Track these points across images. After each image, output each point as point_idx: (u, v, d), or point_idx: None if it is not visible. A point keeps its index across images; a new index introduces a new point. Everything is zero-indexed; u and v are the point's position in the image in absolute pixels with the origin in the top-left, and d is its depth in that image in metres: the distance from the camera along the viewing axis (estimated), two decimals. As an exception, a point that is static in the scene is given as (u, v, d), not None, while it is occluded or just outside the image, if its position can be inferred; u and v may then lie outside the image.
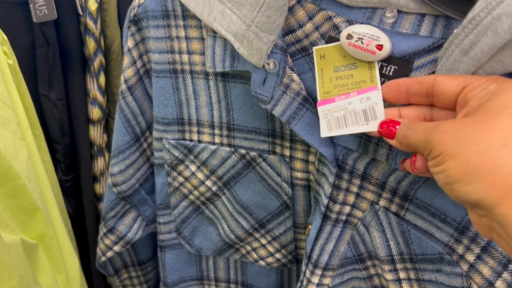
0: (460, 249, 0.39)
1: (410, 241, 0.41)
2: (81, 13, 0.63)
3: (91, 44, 0.64)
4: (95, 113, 0.69)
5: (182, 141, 0.51)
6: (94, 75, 0.67)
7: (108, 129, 0.74)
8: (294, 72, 0.41)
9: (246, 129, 0.48)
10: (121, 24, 0.66)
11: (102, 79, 0.67)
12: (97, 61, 0.65)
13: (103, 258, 0.61)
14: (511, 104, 0.28)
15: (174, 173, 0.54)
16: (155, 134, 0.53)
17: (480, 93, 0.30)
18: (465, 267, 0.39)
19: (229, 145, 0.50)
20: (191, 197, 0.55)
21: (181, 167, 0.53)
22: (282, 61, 0.40)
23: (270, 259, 0.55)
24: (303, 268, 0.48)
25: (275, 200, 0.50)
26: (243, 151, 0.49)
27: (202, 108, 0.49)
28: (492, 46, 0.31)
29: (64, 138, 0.70)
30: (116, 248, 0.59)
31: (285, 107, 0.41)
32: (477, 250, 0.38)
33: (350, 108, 0.40)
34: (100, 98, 0.68)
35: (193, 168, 0.53)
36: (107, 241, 0.59)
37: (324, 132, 0.41)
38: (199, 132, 0.51)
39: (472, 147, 0.28)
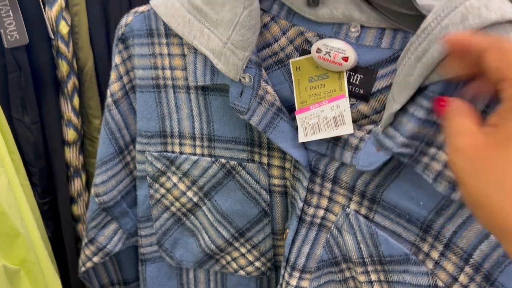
0: (425, 247, 0.42)
1: (378, 243, 0.44)
2: (52, 37, 0.64)
3: (64, 67, 0.65)
4: (70, 134, 0.70)
5: (164, 153, 0.54)
6: (68, 97, 0.68)
7: (83, 150, 0.75)
8: (269, 85, 0.44)
9: (226, 139, 0.51)
10: (93, 46, 0.68)
11: (76, 101, 0.68)
12: (71, 84, 0.67)
13: (83, 269, 0.61)
14: None
15: (156, 185, 0.56)
16: (138, 147, 0.55)
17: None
18: (430, 265, 0.42)
19: (210, 155, 0.52)
20: (173, 208, 0.57)
21: (163, 179, 0.55)
22: (257, 75, 0.43)
23: (249, 268, 0.56)
24: (282, 271, 0.50)
25: (254, 208, 0.52)
26: (223, 160, 0.51)
27: (184, 120, 0.52)
28: (441, 52, 0.34)
29: (39, 161, 0.70)
30: (95, 259, 0.60)
31: (261, 117, 0.44)
32: (440, 248, 0.41)
33: (323, 116, 0.43)
34: (74, 119, 0.69)
35: (174, 179, 0.54)
36: (87, 252, 0.60)
37: (301, 138, 0.44)
38: (180, 144, 0.53)
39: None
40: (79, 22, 0.66)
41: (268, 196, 0.51)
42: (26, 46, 0.63)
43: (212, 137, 0.51)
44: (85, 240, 0.61)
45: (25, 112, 0.66)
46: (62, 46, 0.64)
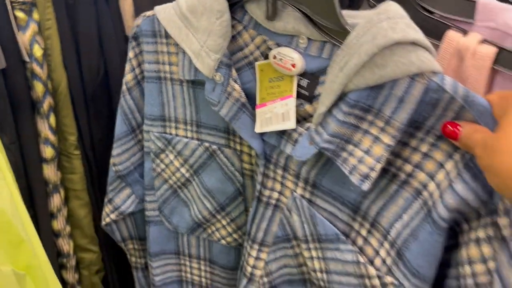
0: (356, 226, 0.49)
1: (316, 223, 0.51)
2: (27, 60, 0.68)
3: (39, 88, 0.69)
4: (48, 152, 0.73)
5: (164, 134, 0.64)
6: (45, 116, 0.71)
7: (61, 166, 0.79)
8: (236, 83, 0.53)
9: (209, 127, 0.60)
10: (66, 67, 0.73)
11: (52, 119, 0.73)
12: (46, 103, 0.71)
13: (103, 222, 0.74)
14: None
15: (158, 160, 0.66)
16: (144, 127, 0.66)
17: None
18: (361, 241, 0.49)
19: (197, 139, 0.62)
20: (170, 181, 0.67)
21: (162, 156, 0.66)
22: (226, 74, 0.52)
23: (229, 239, 0.66)
24: (245, 243, 0.59)
25: (231, 186, 0.61)
26: (207, 144, 0.61)
27: (178, 108, 0.62)
28: (357, 64, 0.41)
29: (19, 180, 0.70)
30: (112, 216, 0.73)
31: (228, 110, 0.53)
32: (367, 226, 0.48)
33: (275, 111, 0.51)
34: (52, 137, 0.73)
35: (171, 157, 0.65)
36: (106, 209, 0.73)
37: (257, 128, 0.52)
38: (176, 128, 0.63)
39: None
40: (52, 45, 0.71)
41: (241, 177, 0.60)
42: (1, 69, 0.65)
43: (199, 124, 0.61)
44: (106, 199, 0.74)
45: (3, 133, 0.68)
46: (36, 68, 0.69)
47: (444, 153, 0.42)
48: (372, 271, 0.47)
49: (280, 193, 0.54)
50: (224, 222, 0.65)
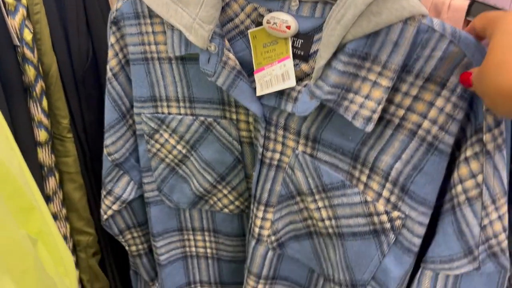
0: (356, 173, 0.53)
1: (321, 175, 0.55)
2: (18, 44, 0.68)
3: (30, 72, 0.70)
4: (41, 135, 0.73)
5: (156, 114, 0.65)
6: (37, 100, 0.72)
7: (54, 150, 0.78)
8: (230, 52, 0.55)
9: (203, 100, 0.62)
10: (55, 51, 0.73)
11: (45, 102, 0.73)
12: (39, 87, 0.71)
13: (105, 216, 0.74)
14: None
15: (152, 141, 0.67)
16: (135, 110, 0.67)
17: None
18: (362, 186, 0.53)
19: (192, 114, 0.63)
20: (167, 160, 0.68)
21: (157, 136, 0.67)
22: (220, 44, 0.54)
23: (231, 207, 0.69)
24: (251, 206, 0.62)
25: (230, 156, 0.64)
26: (202, 118, 0.63)
27: (169, 86, 0.63)
28: (354, 15, 0.44)
29: None
30: (115, 207, 0.72)
31: (225, 79, 0.55)
32: (367, 171, 0.52)
33: (274, 73, 0.54)
34: (45, 120, 0.73)
35: (166, 136, 0.66)
36: (107, 202, 0.73)
37: (258, 92, 0.55)
38: (168, 106, 0.65)
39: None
40: (41, 29, 0.71)
41: (239, 146, 0.62)
42: (-8, 54, 0.65)
43: (192, 99, 0.63)
44: (103, 193, 0.73)
45: (-3, 118, 0.68)
46: (27, 52, 0.69)
47: (432, 92, 0.47)
48: (380, 207, 0.52)
49: (282, 153, 0.58)
50: (225, 192, 0.68)
